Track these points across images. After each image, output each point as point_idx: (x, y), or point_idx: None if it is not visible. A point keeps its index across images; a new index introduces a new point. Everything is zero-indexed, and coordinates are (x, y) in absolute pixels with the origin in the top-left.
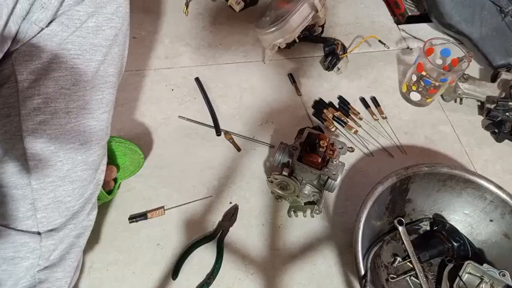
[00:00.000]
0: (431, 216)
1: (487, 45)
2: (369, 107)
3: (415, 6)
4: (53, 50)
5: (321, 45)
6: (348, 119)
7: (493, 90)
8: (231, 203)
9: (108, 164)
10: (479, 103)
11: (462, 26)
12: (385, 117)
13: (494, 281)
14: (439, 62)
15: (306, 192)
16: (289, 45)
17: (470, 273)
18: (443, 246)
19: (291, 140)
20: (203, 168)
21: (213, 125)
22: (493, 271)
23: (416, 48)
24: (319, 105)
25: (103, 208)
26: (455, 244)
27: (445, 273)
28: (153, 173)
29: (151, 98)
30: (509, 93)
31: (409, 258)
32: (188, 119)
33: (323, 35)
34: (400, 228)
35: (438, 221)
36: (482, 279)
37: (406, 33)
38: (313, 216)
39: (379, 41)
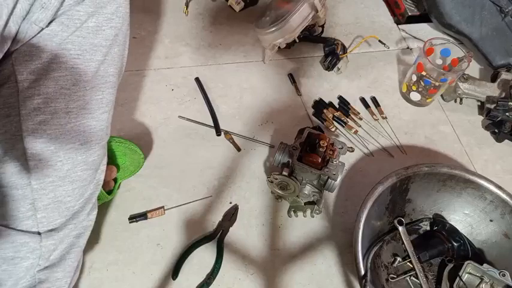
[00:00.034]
0: (431, 216)
1: (487, 45)
2: (369, 107)
3: (415, 6)
4: (53, 50)
5: (321, 45)
6: (348, 119)
7: (493, 90)
8: (231, 203)
9: (108, 164)
10: (479, 103)
11: (462, 26)
12: (385, 117)
13: (494, 281)
14: (439, 62)
15: (306, 192)
16: (289, 45)
17: (470, 273)
18: (443, 246)
19: (291, 140)
20: (203, 168)
21: (213, 125)
22: (493, 271)
23: (416, 48)
24: (319, 105)
25: (103, 208)
26: (455, 244)
27: (445, 273)
28: (153, 173)
29: (151, 98)
30: (509, 93)
31: (409, 258)
32: (188, 119)
33: (323, 35)
34: (400, 228)
35: (438, 221)
36: (482, 279)
37: (406, 33)
38: (313, 216)
39: (379, 41)
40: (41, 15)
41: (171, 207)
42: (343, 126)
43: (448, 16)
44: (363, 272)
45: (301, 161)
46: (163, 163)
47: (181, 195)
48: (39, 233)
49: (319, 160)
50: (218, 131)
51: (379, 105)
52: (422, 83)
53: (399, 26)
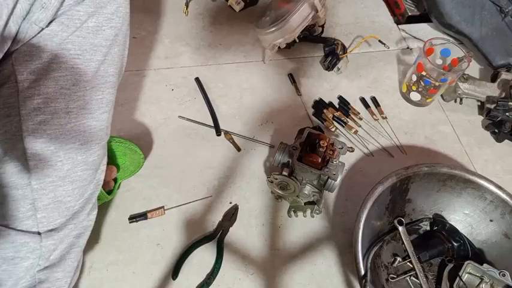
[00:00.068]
0: (431, 216)
1: (487, 45)
2: (369, 107)
3: (415, 6)
4: (53, 50)
5: (321, 45)
6: (348, 119)
7: (493, 90)
8: (231, 203)
9: (108, 164)
10: (479, 103)
11: (462, 26)
12: (385, 117)
13: (494, 281)
14: (439, 62)
15: (306, 192)
16: (289, 45)
17: (470, 273)
18: (443, 246)
19: (291, 140)
20: (203, 168)
21: (213, 125)
22: (493, 271)
23: (416, 48)
24: (319, 105)
25: (103, 208)
26: (455, 244)
27: (445, 273)
28: (153, 173)
29: (151, 98)
30: (509, 93)
31: (409, 258)
32: (188, 119)
33: (323, 35)
34: (400, 228)
35: (438, 221)
36: (482, 279)
37: (406, 33)
38: (313, 216)
39: (379, 41)
40: (41, 15)
41: (171, 207)
42: (343, 126)
43: (448, 16)
44: (363, 272)
45: (301, 161)
46: (163, 163)
47: (181, 195)
48: (39, 233)
49: (319, 160)
50: (218, 131)
51: (379, 105)
52: (422, 83)
53: (399, 26)
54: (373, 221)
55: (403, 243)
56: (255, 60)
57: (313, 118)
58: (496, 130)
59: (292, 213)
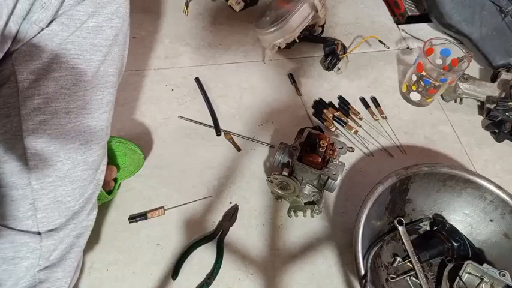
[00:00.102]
0: (431, 216)
1: (487, 45)
2: (369, 107)
3: (415, 6)
4: (53, 50)
5: (321, 45)
6: (348, 119)
7: (493, 90)
8: (231, 203)
9: (108, 164)
10: (479, 103)
11: (462, 26)
12: (385, 117)
13: (494, 281)
14: (439, 62)
15: (306, 192)
16: (289, 45)
17: (470, 273)
18: (443, 246)
19: (291, 140)
20: (203, 168)
21: (213, 125)
22: (493, 271)
23: (416, 48)
24: (319, 105)
25: (103, 208)
26: (455, 244)
27: (445, 273)
28: (153, 173)
29: (151, 98)
30: (509, 93)
31: (409, 258)
32: (188, 119)
33: (323, 35)
34: (400, 228)
35: (438, 221)
36: (482, 279)
37: (406, 33)
38: (313, 216)
39: (379, 41)
40: (41, 15)
41: (171, 207)
42: (343, 126)
43: (448, 16)
44: (363, 272)
45: (301, 161)
46: (163, 163)
47: (181, 195)
48: (39, 233)
49: (319, 160)
50: (218, 131)
51: (379, 105)
52: (422, 83)
53: (399, 26)
54: (373, 221)
55: (403, 243)
56: (255, 60)
57: (313, 118)
58: (496, 130)
59: (292, 213)
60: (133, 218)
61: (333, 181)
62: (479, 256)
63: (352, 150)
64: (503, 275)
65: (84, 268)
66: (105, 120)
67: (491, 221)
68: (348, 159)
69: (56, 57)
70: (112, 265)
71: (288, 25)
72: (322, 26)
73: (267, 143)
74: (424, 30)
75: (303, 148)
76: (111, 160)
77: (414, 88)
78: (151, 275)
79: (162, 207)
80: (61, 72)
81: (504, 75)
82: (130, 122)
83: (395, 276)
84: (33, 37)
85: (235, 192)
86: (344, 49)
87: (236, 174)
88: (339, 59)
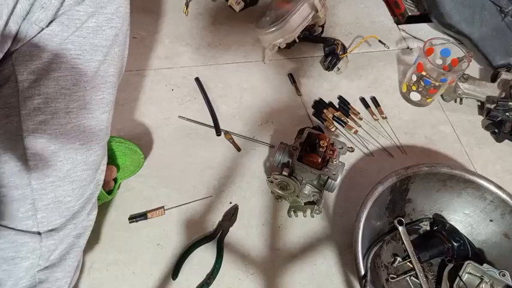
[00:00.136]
0: (431, 216)
1: (487, 45)
2: (369, 107)
3: (415, 6)
4: (53, 50)
5: (321, 45)
6: (348, 119)
7: (493, 90)
8: (231, 203)
9: (108, 164)
10: (479, 103)
11: (462, 26)
12: (385, 117)
13: (494, 281)
14: (439, 62)
15: (306, 192)
16: (289, 45)
17: (470, 273)
18: (443, 246)
19: (291, 140)
20: (203, 168)
21: (213, 125)
22: (493, 271)
23: (416, 48)
24: (319, 105)
25: (103, 208)
26: (455, 244)
27: (445, 273)
28: (153, 173)
29: (151, 98)
30: (509, 93)
31: (409, 258)
32: (188, 119)
33: (323, 35)
34: (400, 228)
35: (438, 221)
36: (482, 279)
37: (406, 33)
38: (313, 216)
39: (379, 41)
40: (41, 15)
41: (171, 207)
42: (343, 126)
43: (448, 16)
44: (363, 272)
45: (301, 161)
46: (163, 163)
47: (181, 195)
48: (39, 233)
49: (319, 160)
50: (218, 131)
51: (379, 105)
52: (422, 83)
53: (399, 26)
54: (373, 221)
55: (403, 243)
56: (255, 60)
57: (313, 118)
58: (496, 130)
59: (292, 213)
60: (133, 218)
61: (333, 181)
62: (479, 256)
63: (352, 150)
64: (503, 275)
65: (84, 268)
66: (105, 120)
67: (491, 221)
68: (348, 159)
69: (56, 57)
70: (112, 265)
71: (288, 25)
72: (322, 26)
73: (267, 143)
74: (424, 30)
75: (303, 148)
76: (111, 160)
77: (414, 88)
78: (151, 275)
79: (162, 207)
80: (61, 72)
81: (504, 75)
82: (130, 122)
83: (395, 276)
84: (33, 37)
85: (235, 192)
86: (344, 49)
87: (236, 174)
88: (339, 59)
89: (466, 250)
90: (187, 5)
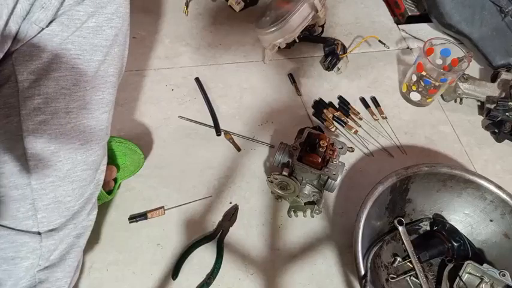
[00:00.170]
0: (431, 216)
1: (487, 45)
2: (369, 107)
3: (415, 6)
4: (53, 50)
5: (321, 45)
6: (348, 119)
7: (493, 90)
8: (231, 203)
9: (108, 164)
10: (479, 103)
11: (462, 26)
12: (385, 117)
13: (494, 281)
14: (439, 62)
15: (306, 192)
16: (289, 45)
17: (470, 273)
18: (443, 246)
19: (291, 140)
20: (203, 168)
21: (213, 125)
22: (493, 271)
23: (416, 48)
24: (319, 105)
25: (103, 208)
26: (455, 244)
27: (445, 273)
28: (153, 173)
29: (151, 98)
30: (509, 93)
31: (409, 258)
32: (188, 119)
33: (323, 35)
34: (400, 228)
35: (438, 221)
36: (482, 279)
37: (406, 33)
38: (313, 216)
39: (379, 41)
40: (41, 15)
41: (171, 207)
42: (343, 126)
43: (448, 16)
44: (363, 272)
45: (301, 161)
46: (163, 163)
47: (181, 195)
48: (39, 233)
49: (319, 160)
50: (218, 131)
51: (379, 105)
52: (422, 83)
53: (399, 26)
54: (373, 221)
55: (403, 243)
56: (255, 60)
57: (313, 118)
58: (496, 130)
59: (292, 213)
60: (133, 218)
61: (333, 181)
62: (479, 256)
63: (352, 150)
64: (503, 275)
65: (84, 268)
66: (105, 120)
67: (491, 221)
68: (348, 159)
69: (56, 57)
70: (112, 265)
71: (288, 25)
72: (322, 26)
73: (267, 143)
74: (424, 30)
75: (303, 148)
76: (111, 160)
77: (414, 88)
78: (151, 275)
79: (162, 207)
80: (61, 72)
81: (504, 75)
82: (130, 122)
83: (395, 276)
84: (33, 37)
85: (235, 192)
86: (344, 49)
87: (236, 174)
88: (339, 59)
89: (466, 250)
90: (187, 5)
